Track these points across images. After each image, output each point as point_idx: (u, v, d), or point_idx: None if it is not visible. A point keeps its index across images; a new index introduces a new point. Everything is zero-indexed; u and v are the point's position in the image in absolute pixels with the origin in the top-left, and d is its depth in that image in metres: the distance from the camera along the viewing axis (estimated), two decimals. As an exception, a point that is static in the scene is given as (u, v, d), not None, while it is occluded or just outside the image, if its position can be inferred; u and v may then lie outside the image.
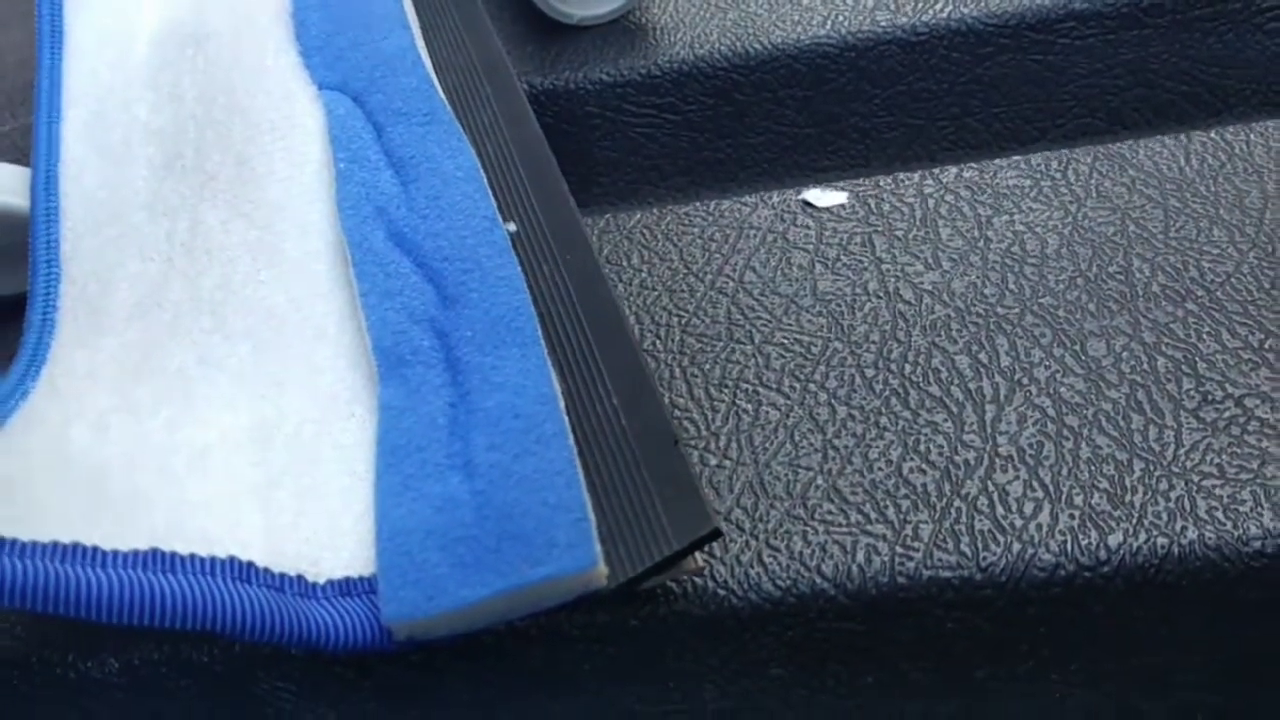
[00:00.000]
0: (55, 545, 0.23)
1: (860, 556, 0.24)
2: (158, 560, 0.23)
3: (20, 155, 0.41)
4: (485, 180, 0.30)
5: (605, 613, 0.24)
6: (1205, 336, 0.27)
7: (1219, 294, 0.29)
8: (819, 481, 0.26)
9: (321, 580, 0.24)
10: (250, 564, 0.23)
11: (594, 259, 0.28)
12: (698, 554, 0.24)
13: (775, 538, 0.25)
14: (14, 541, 0.23)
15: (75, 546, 0.23)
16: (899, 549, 0.24)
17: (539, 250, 0.29)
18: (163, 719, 0.26)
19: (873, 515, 0.25)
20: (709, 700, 0.25)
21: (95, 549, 0.23)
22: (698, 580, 0.24)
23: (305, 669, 0.25)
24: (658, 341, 0.30)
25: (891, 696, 0.25)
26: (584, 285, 0.28)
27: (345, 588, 0.24)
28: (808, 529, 0.25)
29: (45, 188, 0.34)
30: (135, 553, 0.23)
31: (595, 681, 0.25)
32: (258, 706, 0.26)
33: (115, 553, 0.23)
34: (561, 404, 0.25)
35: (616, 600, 0.24)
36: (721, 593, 0.24)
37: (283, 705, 0.26)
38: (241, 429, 0.26)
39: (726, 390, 0.29)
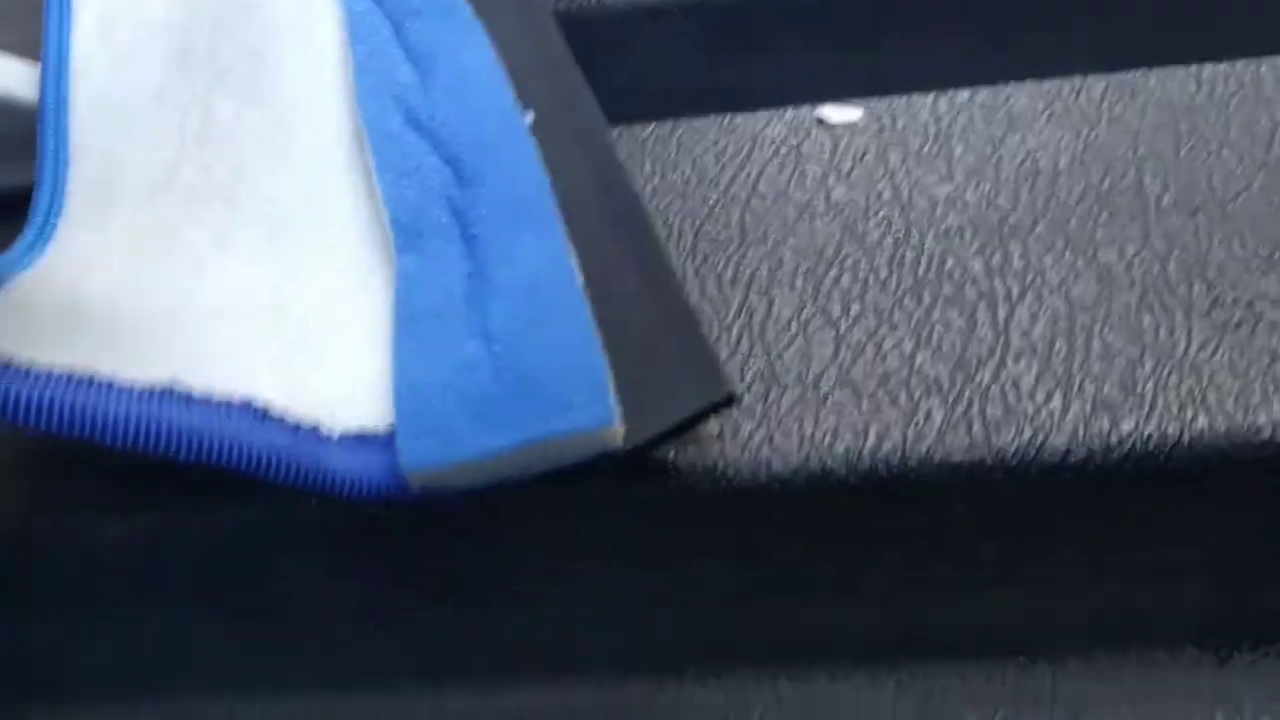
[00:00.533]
0: (73, 373, 0.23)
1: (871, 439, 0.24)
2: (175, 394, 0.23)
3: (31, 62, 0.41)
4: (504, 71, 0.30)
5: (614, 486, 0.24)
6: (1216, 246, 0.28)
7: (1229, 209, 0.29)
8: (831, 371, 0.26)
9: (337, 431, 0.24)
10: (267, 407, 0.23)
11: (611, 146, 0.28)
12: (715, 422, 0.24)
13: (786, 421, 0.25)
14: (31, 368, 0.23)
15: (94, 376, 0.23)
16: (910, 432, 0.24)
17: (557, 137, 0.29)
18: (165, 583, 0.26)
19: (884, 402, 0.25)
20: (714, 578, 0.25)
21: (112, 380, 0.23)
22: (708, 458, 0.24)
23: (310, 533, 0.25)
24: (669, 244, 0.30)
25: (899, 582, 0.25)
26: (602, 170, 0.28)
27: (361, 439, 0.23)
28: (819, 413, 0.25)
29: (55, 80, 0.34)
30: (151, 387, 0.23)
31: (602, 555, 0.25)
32: (261, 572, 0.26)
33: (133, 385, 0.23)
34: (580, 278, 0.25)
35: (626, 474, 0.24)
36: (731, 471, 0.24)
37: (286, 570, 0.25)
38: (256, 299, 0.26)
39: (738, 289, 0.29)
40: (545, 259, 0.25)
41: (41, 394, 0.22)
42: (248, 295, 0.26)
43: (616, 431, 0.22)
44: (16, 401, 0.22)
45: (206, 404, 0.24)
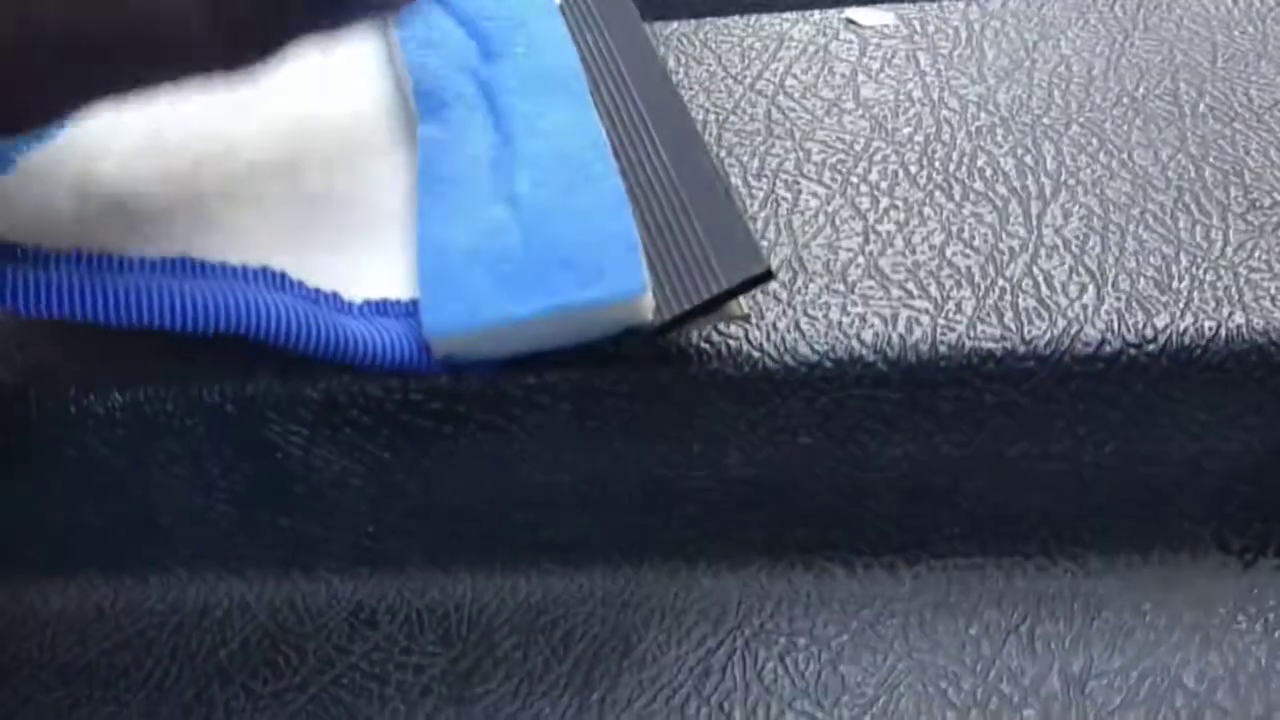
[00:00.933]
0: (80, 253, 0.22)
1: (901, 327, 0.24)
2: (188, 266, 0.22)
3: None
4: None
5: (636, 369, 0.24)
6: (1253, 151, 0.27)
7: (1266, 117, 0.28)
8: (859, 260, 0.25)
9: (359, 299, 0.23)
10: (284, 274, 0.22)
11: (640, 26, 0.27)
12: (744, 302, 0.23)
13: (814, 308, 0.24)
14: (38, 249, 0.22)
15: (103, 255, 0.22)
16: (941, 321, 0.24)
17: (585, 17, 0.28)
18: (166, 459, 0.25)
19: (914, 291, 0.24)
20: (732, 466, 0.24)
21: (123, 257, 0.22)
22: (732, 341, 0.24)
23: (319, 412, 0.24)
24: (693, 137, 0.30)
25: (920, 471, 0.24)
26: (629, 48, 0.27)
27: (383, 308, 0.23)
28: (847, 301, 0.24)
29: None
30: (164, 259, 0.22)
31: (621, 439, 0.24)
32: (267, 450, 0.25)
33: (143, 259, 0.22)
34: (610, 149, 0.24)
35: (648, 357, 0.24)
36: (756, 355, 0.24)
37: (293, 450, 0.25)
38: (272, 164, 0.25)
39: (765, 180, 0.28)
40: (574, 129, 0.24)
41: (51, 278, 0.21)
42: (262, 164, 0.25)
43: (647, 303, 0.22)
44: (27, 287, 0.21)
45: (221, 272, 0.23)
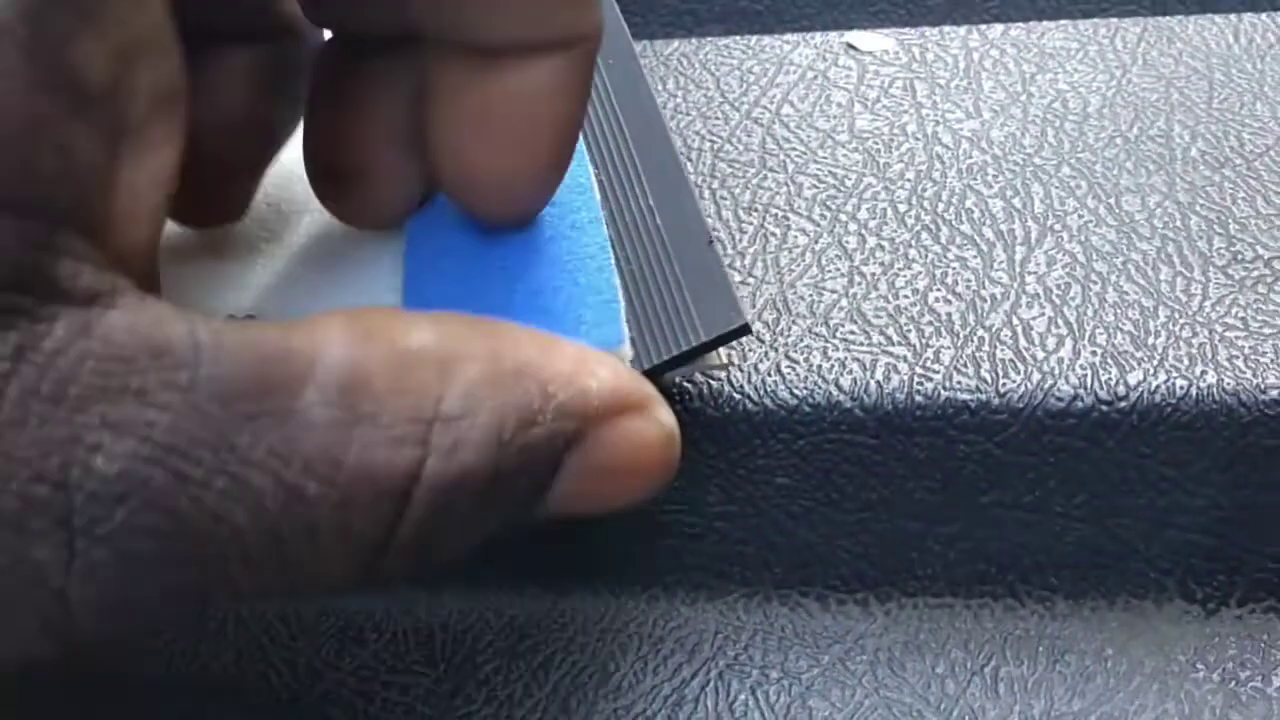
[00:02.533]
0: None
1: (879, 373, 0.24)
2: None
3: None
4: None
5: (620, 406, 0.24)
6: (1240, 201, 0.27)
7: (1257, 164, 0.28)
8: (843, 303, 0.26)
9: None
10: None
11: (637, 65, 0.28)
12: (723, 352, 0.24)
13: (795, 351, 0.25)
14: None
15: None
16: (919, 369, 0.24)
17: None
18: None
19: (894, 337, 0.25)
20: (712, 503, 0.25)
21: None
22: (714, 383, 0.24)
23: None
24: (689, 164, 0.30)
25: (894, 514, 0.25)
26: (624, 89, 0.27)
27: None
28: (828, 345, 0.25)
29: None
30: None
31: (603, 473, 0.25)
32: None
33: None
34: (597, 195, 0.25)
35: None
36: (737, 396, 0.24)
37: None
38: (264, 218, 0.26)
39: (756, 214, 0.28)
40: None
41: None
42: (253, 224, 0.26)
43: (624, 354, 0.22)
44: None
45: None
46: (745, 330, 0.22)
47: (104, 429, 0.14)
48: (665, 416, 0.19)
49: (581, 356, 0.18)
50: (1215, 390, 0.23)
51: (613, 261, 0.24)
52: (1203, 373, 0.24)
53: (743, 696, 0.25)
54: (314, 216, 0.26)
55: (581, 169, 0.25)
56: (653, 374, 0.23)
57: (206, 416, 0.15)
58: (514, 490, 0.17)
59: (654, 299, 0.24)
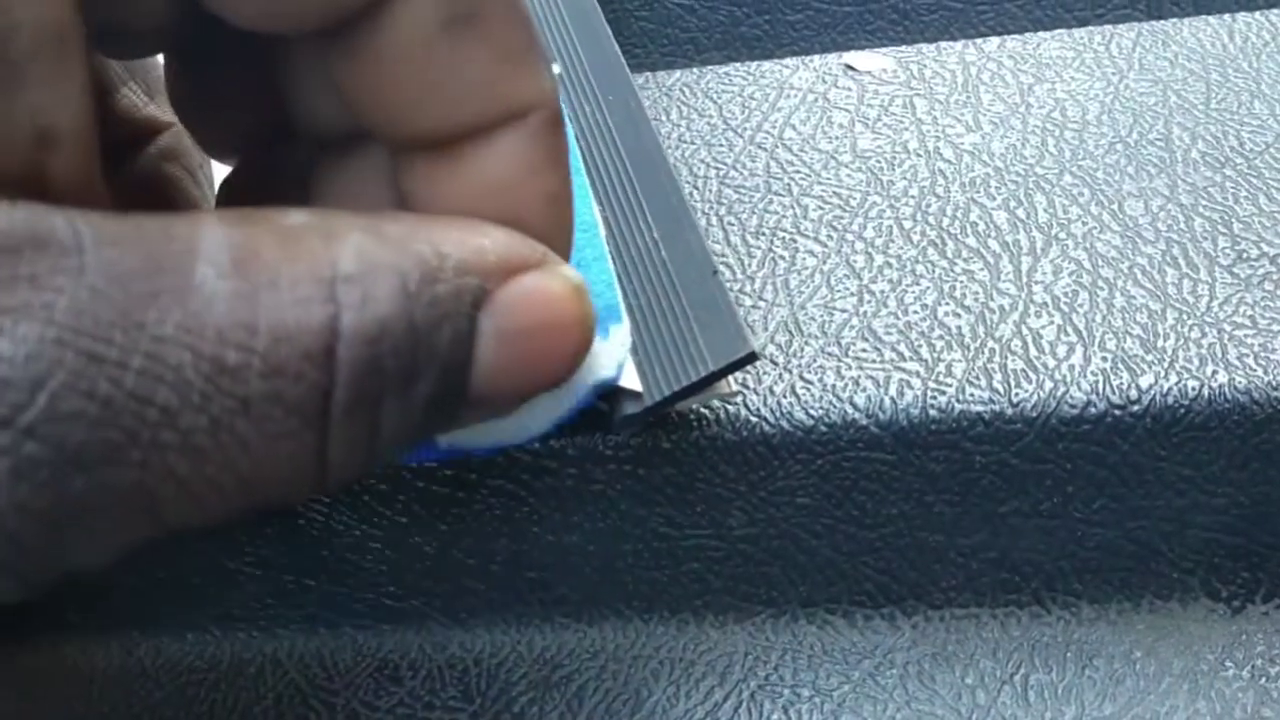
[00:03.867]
0: None
1: (893, 390, 0.25)
2: None
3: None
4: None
5: (639, 435, 0.25)
6: (1243, 200, 0.28)
7: (1257, 162, 0.29)
8: (854, 322, 0.26)
9: None
10: None
11: (637, 98, 0.28)
12: (733, 379, 0.24)
13: (809, 371, 0.25)
14: None
15: None
16: (932, 384, 0.25)
17: (581, 89, 0.29)
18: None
19: (906, 353, 0.25)
20: (735, 526, 0.26)
21: None
22: (730, 407, 0.25)
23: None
24: (695, 192, 0.30)
25: (915, 528, 0.25)
26: (626, 123, 0.28)
27: None
28: (841, 364, 0.25)
29: None
30: None
31: (626, 503, 0.25)
32: (290, 517, 0.26)
33: None
34: (603, 231, 0.25)
35: (650, 424, 0.25)
36: (754, 420, 0.25)
37: (314, 516, 0.26)
38: None
39: (763, 238, 0.29)
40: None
41: None
42: None
43: (635, 388, 0.23)
44: None
45: None
46: (753, 358, 0.23)
47: (2, 315, 0.14)
48: (567, 271, 0.19)
49: (470, 223, 0.18)
50: (1227, 389, 0.24)
51: (620, 298, 0.24)
52: (1214, 373, 0.24)
53: (775, 716, 0.25)
54: None
55: (585, 206, 0.26)
56: (663, 405, 0.23)
57: (105, 297, 0.15)
58: (436, 350, 0.17)
59: (661, 331, 0.24)
